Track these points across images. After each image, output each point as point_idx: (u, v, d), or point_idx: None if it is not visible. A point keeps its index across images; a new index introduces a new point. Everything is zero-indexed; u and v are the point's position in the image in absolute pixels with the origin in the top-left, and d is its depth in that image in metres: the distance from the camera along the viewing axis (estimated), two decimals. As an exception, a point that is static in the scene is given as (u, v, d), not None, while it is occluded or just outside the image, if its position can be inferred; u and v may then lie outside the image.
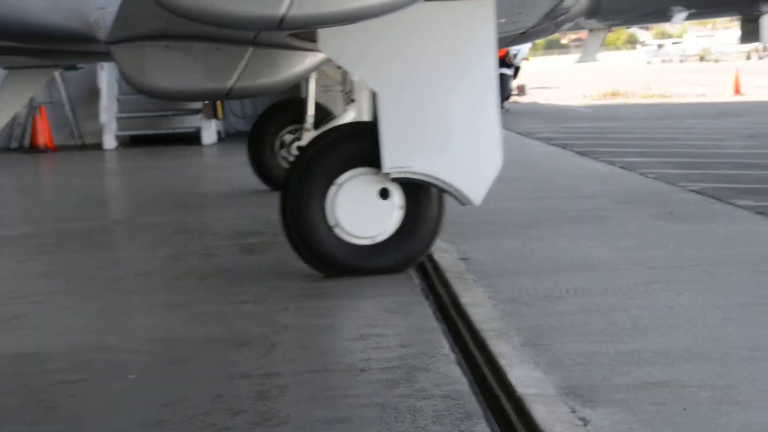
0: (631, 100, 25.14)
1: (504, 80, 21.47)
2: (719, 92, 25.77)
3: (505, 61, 21.23)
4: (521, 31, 6.81)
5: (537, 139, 14.34)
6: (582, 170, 10.57)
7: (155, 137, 16.33)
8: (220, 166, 13.21)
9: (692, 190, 8.36)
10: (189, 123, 16.45)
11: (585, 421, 3.29)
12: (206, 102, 15.91)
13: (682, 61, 66.33)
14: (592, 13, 7.01)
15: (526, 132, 15.64)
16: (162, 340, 4.60)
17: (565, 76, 42.20)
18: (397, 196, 5.50)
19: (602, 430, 3.23)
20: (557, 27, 7.25)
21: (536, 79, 38.59)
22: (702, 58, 65.68)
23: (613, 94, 26.96)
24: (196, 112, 16.19)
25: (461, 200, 5.47)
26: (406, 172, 5.35)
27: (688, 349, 4.03)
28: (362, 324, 4.74)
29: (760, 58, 60.39)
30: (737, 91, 24.86)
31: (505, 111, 21.14)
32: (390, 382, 3.79)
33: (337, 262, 5.56)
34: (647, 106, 22.79)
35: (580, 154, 11.94)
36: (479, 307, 4.84)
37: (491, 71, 5.31)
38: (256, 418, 3.45)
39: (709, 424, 3.25)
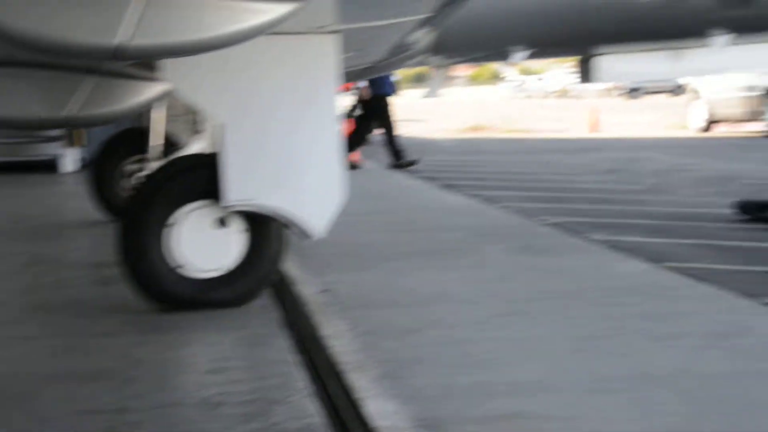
0: (494, 135, 25.61)
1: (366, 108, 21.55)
2: (578, 128, 26.51)
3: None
4: (367, 65, 6.85)
5: (401, 172, 14.46)
6: (445, 203, 10.69)
7: (14, 164, 15.82)
8: (79, 195, 12.87)
9: (550, 224, 8.55)
10: (49, 150, 15.98)
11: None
12: (69, 128, 15.51)
13: (544, 97, 68.08)
14: (437, 50, 7.11)
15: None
16: (8, 375, 4.44)
17: (430, 109, 42.79)
18: (237, 225, 5.45)
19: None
20: (403, 62, 7.30)
21: (402, 111, 38.96)
22: (563, 95, 67.55)
23: (477, 129, 27.42)
24: (57, 139, 15.77)
25: (303, 233, 5.46)
26: (247, 204, 5.31)
27: (538, 381, 4.11)
28: (218, 357, 4.67)
29: (618, 95, 62.47)
30: (595, 128, 25.64)
31: (365, 142, 21.18)
32: (245, 416, 3.75)
33: (177, 297, 5.44)
34: (509, 140, 23.25)
35: (444, 187, 12.09)
36: (339, 339, 4.84)
37: (333, 105, 5.34)
38: (105, 455, 3.37)
39: (557, 454, 3.32)
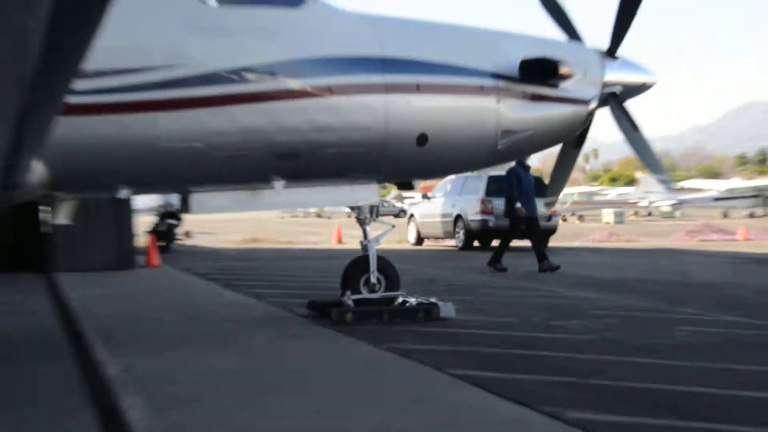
0: (266, 245, 25.58)
1: (170, 228, 21.24)
2: (328, 240, 26.94)
3: (174, 215, 21.06)
4: None
5: (193, 274, 14.11)
6: (224, 299, 10.46)
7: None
8: None
9: (303, 315, 8.49)
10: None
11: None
12: None
13: (304, 216, 68.90)
14: (54, 187, 6.62)
15: (186, 268, 15.38)
16: None
17: (221, 225, 42.27)
18: None
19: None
20: (13, 197, 6.42)
21: (201, 225, 38.42)
22: (319, 215, 68.62)
23: (253, 240, 27.32)
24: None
25: None
26: None
27: None
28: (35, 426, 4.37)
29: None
30: (339, 240, 26.14)
31: (169, 250, 20.80)
32: None
33: None
34: (278, 249, 23.26)
35: (225, 286, 11.86)
36: (134, 410, 4.62)
37: None
38: None
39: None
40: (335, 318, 7.75)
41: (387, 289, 8.15)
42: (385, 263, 8.25)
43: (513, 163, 14.25)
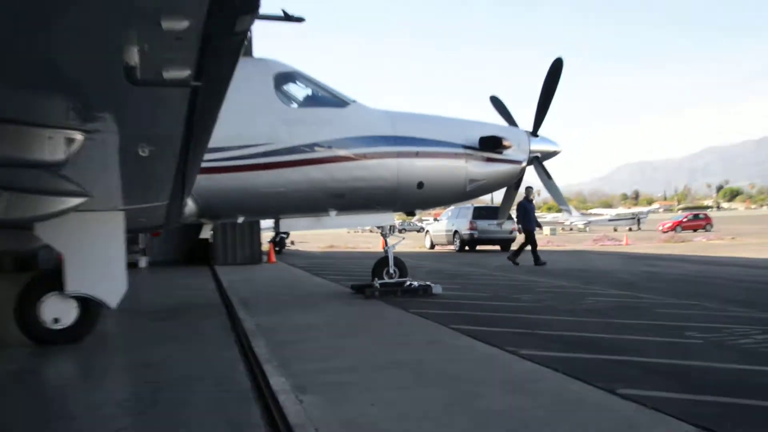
0: (339, 249, 25.52)
1: (282, 239, 21.38)
2: (377, 247, 26.68)
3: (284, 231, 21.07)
4: (159, 223, 5.96)
5: (296, 268, 14.05)
6: (313, 282, 10.38)
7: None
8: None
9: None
10: (132, 258, 14.63)
11: (301, 401, 3.28)
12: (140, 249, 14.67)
13: (362, 232, 68.49)
14: (202, 215, 6.70)
15: (291, 264, 15.40)
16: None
17: (312, 236, 42.28)
18: (76, 302, 5.08)
19: (316, 406, 3.18)
20: (181, 221, 6.50)
21: (300, 237, 38.47)
22: (371, 231, 67.97)
23: (331, 246, 27.31)
24: (136, 250, 14.86)
25: (105, 306, 5.02)
26: (77, 292, 4.95)
27: (353, 365, 4.00)
28: (204, 355, 4.44)
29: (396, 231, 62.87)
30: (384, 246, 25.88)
31: (281, 253, 20.79)
32: (217, 379, 3.56)
33: (44, 337, 5.05)
34: (346, 252, 23.17)
35: (314, 274, 11.80)
36: (259, 347, 4.69)
37: (120, 247, 4.90)
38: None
39: None
40: (368, 294, 7.78)
41: (399, 276, 8.20)
42: (398, 260, 8.30)
43: (522, 197, 13.96)
